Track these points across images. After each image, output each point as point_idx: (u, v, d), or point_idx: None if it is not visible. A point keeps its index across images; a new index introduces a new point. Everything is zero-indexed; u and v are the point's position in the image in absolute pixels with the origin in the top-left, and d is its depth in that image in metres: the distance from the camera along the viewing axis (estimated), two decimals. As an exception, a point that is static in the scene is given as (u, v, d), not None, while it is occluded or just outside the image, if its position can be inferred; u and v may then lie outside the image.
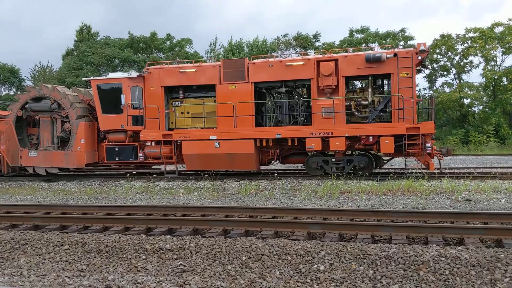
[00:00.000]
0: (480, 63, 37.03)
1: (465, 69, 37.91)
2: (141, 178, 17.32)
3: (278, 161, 16.86)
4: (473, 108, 36.84)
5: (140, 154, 17.03)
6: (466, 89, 36.20)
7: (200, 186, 15.24)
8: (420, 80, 51.83)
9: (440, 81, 39.83)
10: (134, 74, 17.26)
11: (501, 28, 36.20)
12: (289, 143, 15.85)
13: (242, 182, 15.64)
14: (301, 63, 15.80)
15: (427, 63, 15.61)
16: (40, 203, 12.41)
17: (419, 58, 14.77)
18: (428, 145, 14.54)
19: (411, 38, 41.42)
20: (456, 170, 16.89)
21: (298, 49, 43.91)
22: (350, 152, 16.14)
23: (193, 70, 16.69)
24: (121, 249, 6.39)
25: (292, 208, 8.79)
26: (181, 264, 5.77)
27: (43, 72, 50.14)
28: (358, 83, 17.32)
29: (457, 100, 35.73)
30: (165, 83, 16.96)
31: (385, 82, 16.45)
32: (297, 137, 15.64)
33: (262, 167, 17.32)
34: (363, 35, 43.04)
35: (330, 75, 15.34)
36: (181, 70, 16.78)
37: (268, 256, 5.79)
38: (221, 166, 16.64)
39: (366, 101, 15.58)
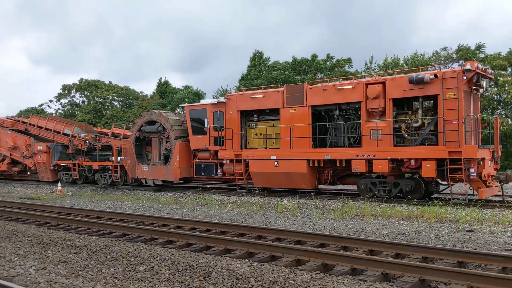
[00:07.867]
0: None
1: None
2: (221, 192, 19.63)
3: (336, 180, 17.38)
4: None
5: (219, 171, 19.43)
6: None
7: (254, 202, 16.80)
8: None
9: None
10: (221, 100, 19.83)
11: None
12: (338, 164, 16.32)
13: (294, 200, 16.67)
14: (351, 86, 16.17)
15: (482, 82, 14.31)
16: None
17: (465, 78, 13.88)
18: (472, 170, 13.51)
19: None
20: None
21: (460, 62, 41.16)
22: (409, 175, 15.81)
23: (261, 96, 18.42)
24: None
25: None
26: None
27: (223, 95, 56.98)
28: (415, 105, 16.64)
29: None
30: (240, 108, 19.06)
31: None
32: (344, 158, 16.03)
33: (322, 187, 17.98)
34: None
35: (377, 98, 15.39)
36: (252, 96, 18.68)
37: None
38: (280, 184, 17.94)
39: (416, 123, 15.14)
